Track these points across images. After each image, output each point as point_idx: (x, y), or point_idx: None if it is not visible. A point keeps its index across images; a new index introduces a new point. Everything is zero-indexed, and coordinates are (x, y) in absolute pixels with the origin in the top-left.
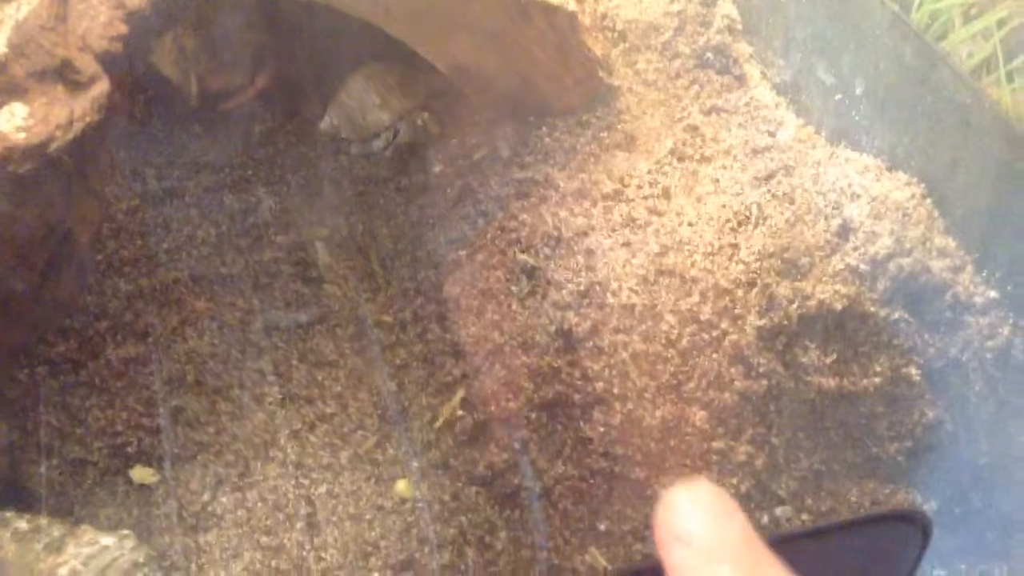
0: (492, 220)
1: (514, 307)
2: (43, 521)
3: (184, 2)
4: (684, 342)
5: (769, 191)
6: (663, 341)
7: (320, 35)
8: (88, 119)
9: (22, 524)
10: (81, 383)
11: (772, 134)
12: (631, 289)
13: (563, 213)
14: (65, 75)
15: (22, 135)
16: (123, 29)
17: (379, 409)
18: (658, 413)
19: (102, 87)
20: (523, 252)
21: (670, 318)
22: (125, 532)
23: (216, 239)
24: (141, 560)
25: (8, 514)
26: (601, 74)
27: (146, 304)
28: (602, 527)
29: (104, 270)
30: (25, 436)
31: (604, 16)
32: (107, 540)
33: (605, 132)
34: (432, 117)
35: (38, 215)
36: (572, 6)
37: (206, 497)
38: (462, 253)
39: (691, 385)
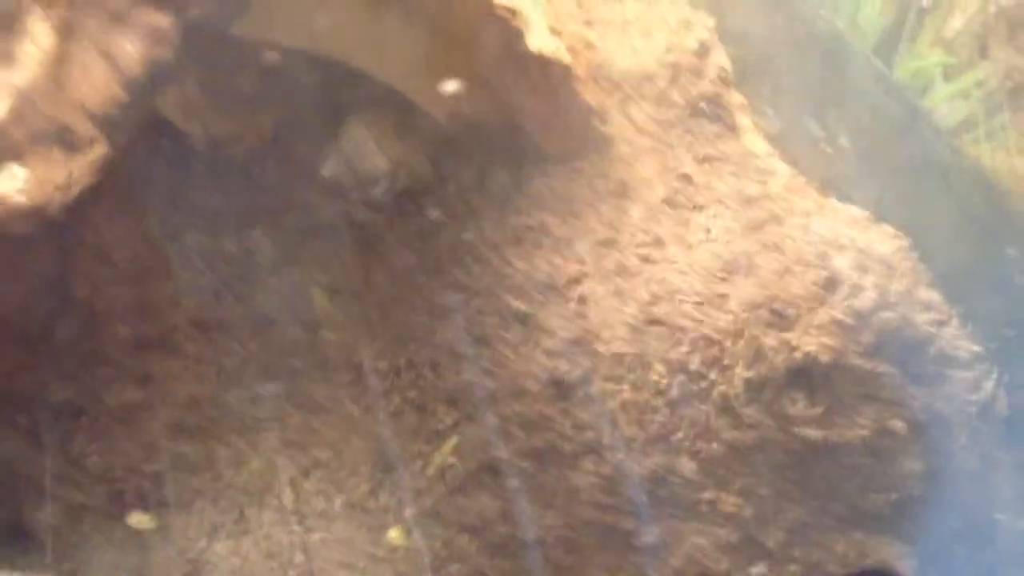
0: (488, 266)
1: (507, 354)
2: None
3: (183, 66)
4: (673, 392)
5: (759, 240)
6: (652, 391)
7: (319, 83)
8: (86, 181)
9: None
10: (81, 429)
11: (763, 183)
12: (622, 338)
13: (557, 260)
14: (63, 139)
15: (22, 197)
16: (120, 94)
17: (373, 455)
18: (647, 463)
19: (100, 150)
20: (517, 299)
21: (660, 368)
22: None
23: (216, 285)
24: None
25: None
26: (595, 123)
27: (146, 350)
28: None
29: (104, 317)
30: (27, 482)
31: (599, 66)
32: None
33: (599, 179)
34: (429, 163)
35: (37, 271)
36: (566, 58)
37: (202, 544)
38: (457, 298)
39: (680, 435)
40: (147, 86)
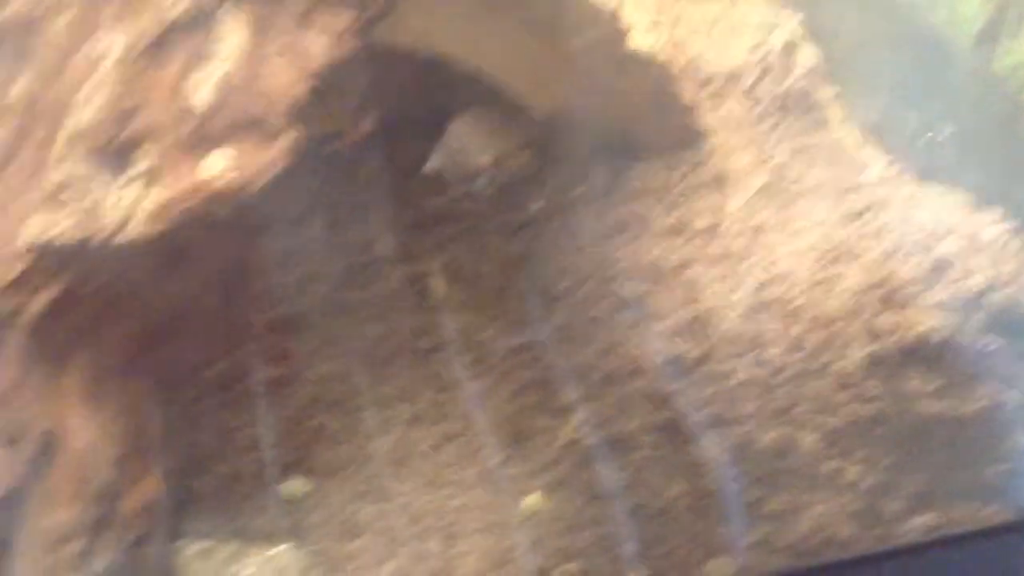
0: (593, 254)
1: (622, 336)
2: (217, 540)
3: (360, 63)
4: (791, 370)
5: (861, 228)
6: (771, 369)
7: (426, 81)
8: (278, 167)
9: (199, 544)
10: (231, 402)
11: (859, 173)
12: (735, 320)
13: (661, 247)
14: (258, 128)
15: (224, 182)
16: (305, 89)
17: (501, 430)
18: (770, 436)
19: (292, 137)
20: (626, 284)
21: (776, 347)
22: (291, 543)
23: (342, 272)
24: (307, 566)
25: (186, 538)
26: (690, 118)
27: (284, 330)
28: (719, 543)
29: (248, 298)
30: (188, 451)
31: (690, 63)
32: (278, 548)
33: (695, 172)
34: (531, 158)
35: (232, 250)
36: (663, 58)
37: (350, 509)
38: (567, 284)
39: (800, 410)
40: (333, 81)
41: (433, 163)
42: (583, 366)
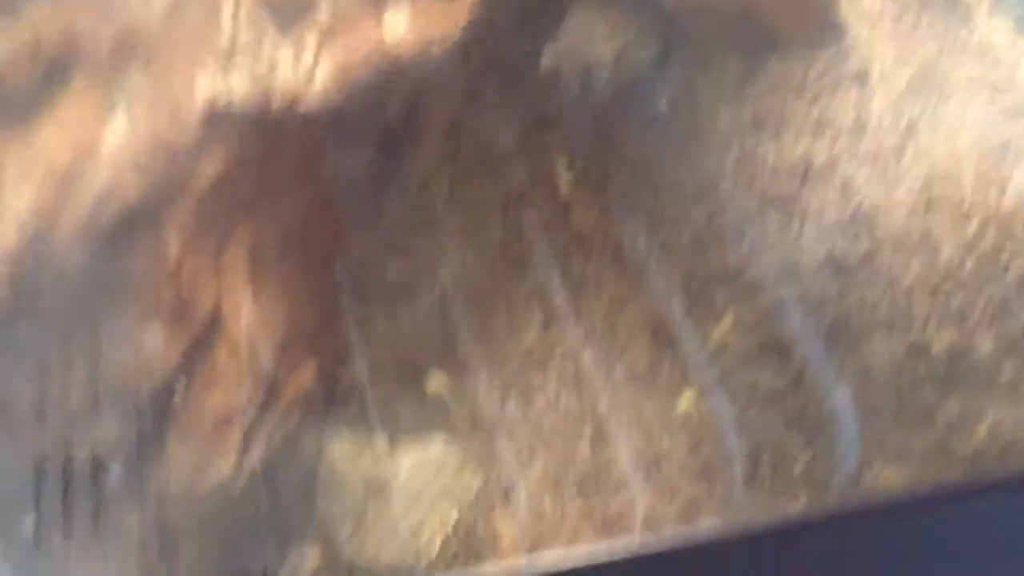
0: (729, 151)
1: (773, 235)
2: (370, 433)
3: None
4: (966, 272)
5: (1018, 128)
6: (942, 272)
7: None
8: (463, 26)
9: (352, 437)
10: (368, 296)
11: (1013, 69)
12: (900, 220)
13: (806, 144)
14: None
15: (405, 41)
16: None
17: (647, 331)
18: (943, 341)
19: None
20: (772, 182)
21: (948, 249)
22: (445, 437)
23: (465, 167)
24: (461, 463)
25: (340, 429)
26: (828, 10)
27: (411, 224)
28: (893, 448)
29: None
30: (338, 344)
31: None
32: (431, 448)
33: (836, 67)
34: (656, 50)
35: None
36: None
37: (495, 406)
38: (704, 183)
39: (976, 314)
40: None
41: (550, 60)
42: (730, 268)
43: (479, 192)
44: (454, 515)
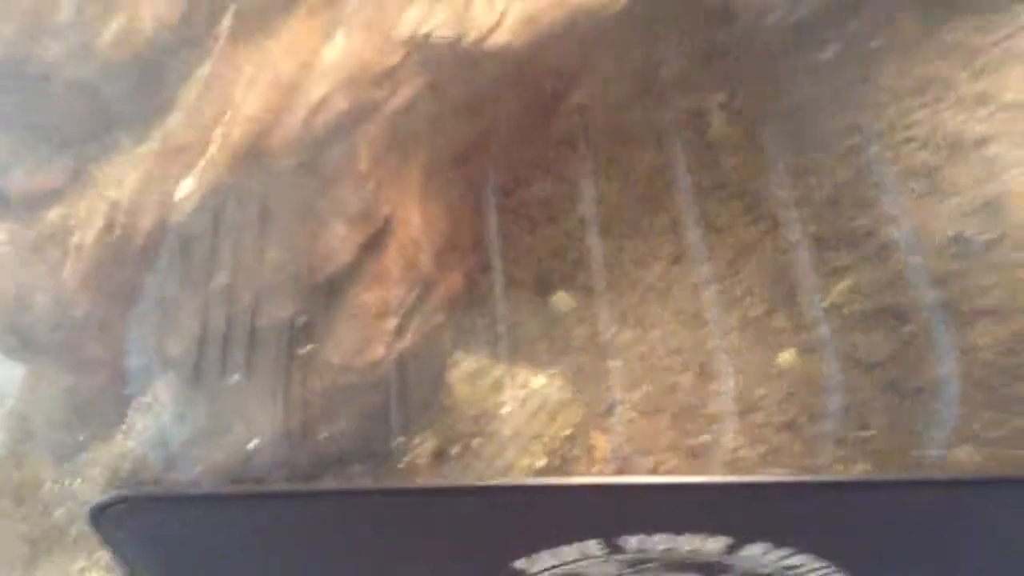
0: (886, 112)
1: (910, 205)
2: (486, 362)
3: None
4: None
5: None
6: None
7: None
8: None
9: (470, 365)
10: (511, 210)
11: None
12: None
13: (962, 116)
14: None
15: None
16: None
17: (768, 280)
18: None
19: None
20: (920, 150)
21: None
22: (552, 371)
23: (624, 96)
24: (568, 398)
25: (459, 354)
26: None
27: (562, 149)
28: (979, 431)
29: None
30: (476, 258)
31: None
32: (538, 381)
33: (1013, 39)
34: None
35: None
36: None
37: (613, 329)
38: (855, 141)
39: None
40: None
41: None
42: (861, 230)
43: (633, 123)
44: (562, 432)
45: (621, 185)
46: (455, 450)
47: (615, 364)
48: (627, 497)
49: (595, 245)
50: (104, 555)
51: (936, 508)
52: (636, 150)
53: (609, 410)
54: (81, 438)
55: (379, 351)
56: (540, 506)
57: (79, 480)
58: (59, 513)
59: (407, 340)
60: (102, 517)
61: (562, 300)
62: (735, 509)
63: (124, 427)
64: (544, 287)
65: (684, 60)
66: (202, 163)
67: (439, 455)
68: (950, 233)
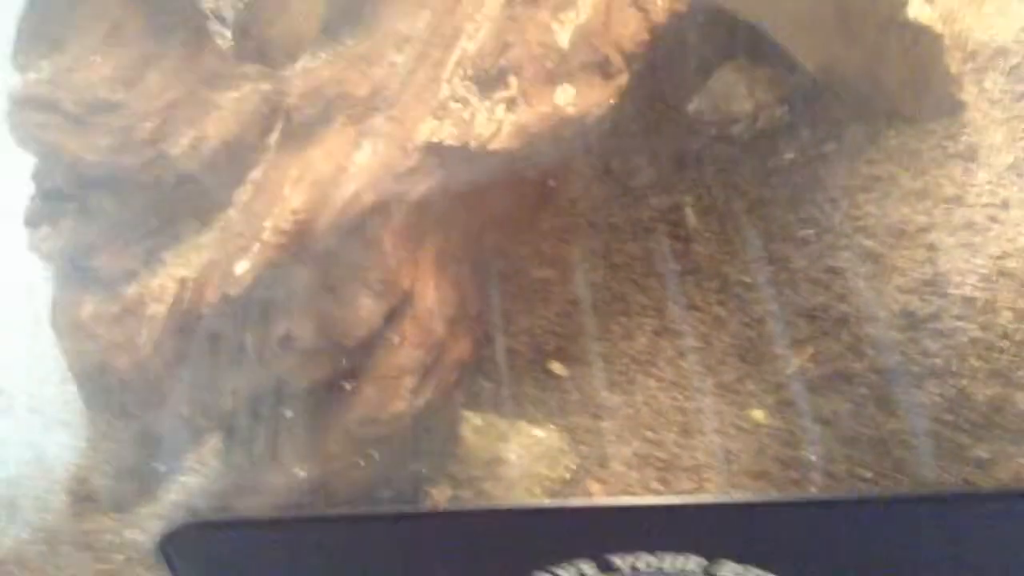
0: (838, 207)
1: (860, 285)
2: (492, 418)
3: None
4: (1019, 336)
5: None
6: (999, 333)
7: (699, 28)
8: (611, 101)
9: (478, 421)
10: (513, 292)
11: None
12: (972, 285)
13: (906, 210)
14: (602, 68)
15: (571, 108)
16: (646, 36)
17: (738, 351)
18: (986, 392)
19: (624, 79)
20: (868, 239)
21: (1008, 314)
22: (550, 426)
23: (606, 195)
24: (564, 447)
25: (468, 413)
26: (951, 89)
27: (554, 239)
28: (921, 477)
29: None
30: (482, 329)
31: (957, 36)
32: (539, 433)
33: (949, 141)
34: (789, 110)
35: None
36: (939, 28)
37: (603, 395)
38: (811, 232)
39: (1021, 373)
40: (666, 32)
41: (697, 104)
42: (819, 307)
43: (618, 217)
44: (563, 475)
45: (607, 271)
46: (468, 494)
47: (606, 424)
48: (613, 518)
49: (586, 321)
50: None
51: (902, 525)
52: (620, 241)
53: (602, 463)
54: (139, 487)
55: (400, 406)
56: (537, 528)
57: (137, 530)
58: (119, 559)
59: (424, 396)
60: (169, 546)
61: (555, 368)
62: (707, 528)
63: (178, 481)
64: (541, 358)
65: (659, 165)
66: (256, 246)
67: (455, 499)
68: (896, 307)
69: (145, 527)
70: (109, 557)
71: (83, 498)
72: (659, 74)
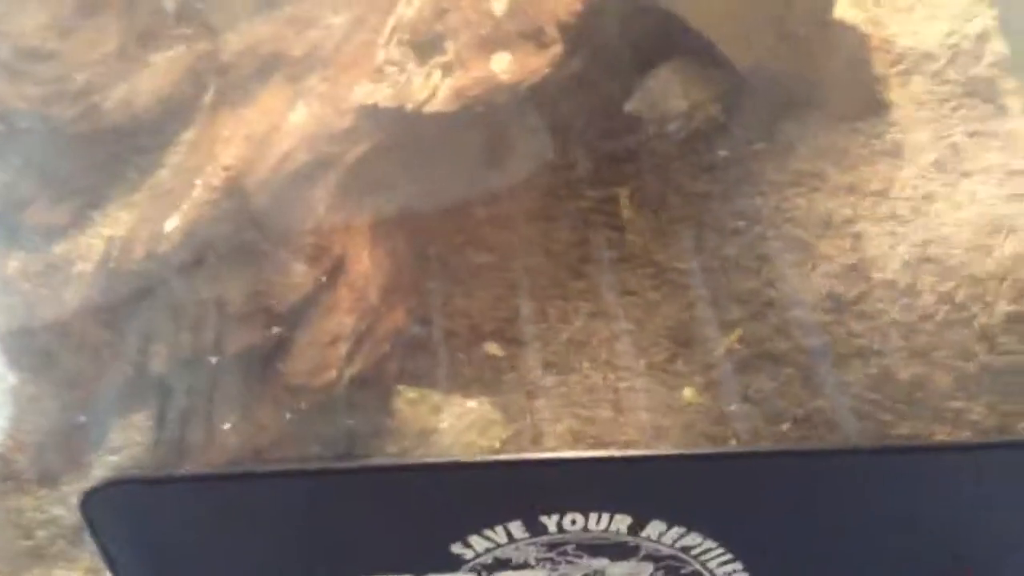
0: (769, 200)
1: (788, 271)
2: (425, 391)
3: None
4: (939, 317)
5: (1022, 208)
6: (920, 315)
7: (636, 28)
8: (544, 72)
9: (412, 394)
10: (451, 274)
11: None
12: (895, 270)
13: (833, 202)
14: (536, 37)
15: (506, 75)
16: (579, 8)
17: (670, 333)
18: (908, 371)
19: (557, 50)
20: (797, 229)
21: (928, 297)
22: (483, 399)
23: (543, 186)
24: (496, 418)
25: (402, 387)
26: (878, 89)
27: (493, 226)
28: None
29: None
30: (419, 305)
31: (885, 40)
32: (471, 403)
33: (875, 140)
34: (722, 109)
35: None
36: (863, 31)
37: (535, 375)
38: (741, 224)
39: (940, 353)
40: (598, 8)
41: (633, 103)
42: (748, 292)
43: (554, 207)
44: (493, 444)
45: (544, 258)
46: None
47: (540, 402)
48: (539, 473)
49: (523, 304)
50: (84, 560)
51: (819, 479)
52: (557, 230)
53: (536, 440)
54: (65, 459)
55: (332, 374)
56: (467, 486)
57: (62, 506)
58: (41, 535)
59: (357, 365)
60: (90, 505)
61: (492, 349)
62: (633, 484)
63: (103, 451)
64: (478, 339)
65: (597, 159)
66: (186, 204)
67: None
68: (822, 292)
69: (70, 504)
70: (33, 534)
71: (5, 476)
72: (596, 72)
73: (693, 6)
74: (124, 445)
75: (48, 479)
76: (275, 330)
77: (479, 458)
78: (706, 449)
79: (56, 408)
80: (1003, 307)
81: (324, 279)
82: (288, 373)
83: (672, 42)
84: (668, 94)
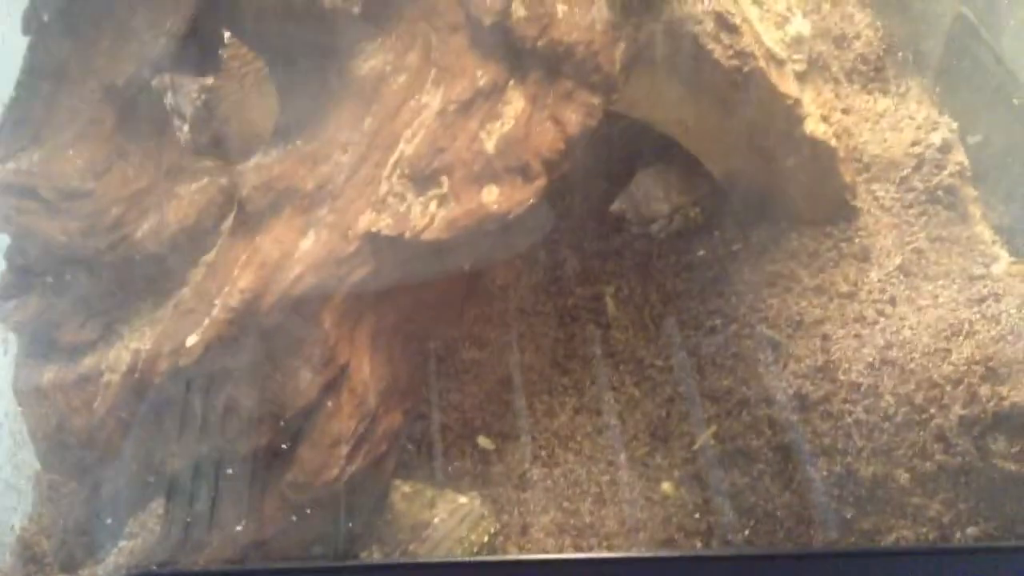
0: (744, 300)
1: (760, 370)
2: (420, 486)
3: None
4: (899, 418)
5: (980, 312)
6: (881, 415)
7: (620, 138)
8: (531, 202)
9: (407, 488)
10: (445, 372)
11: (987, 266)
12: (859, 372)
13: (804, 303)
14: (523, 172)
15: (495, 206)
16: (562, 146)
17: (650, 428)
18: (870, 469)
19: (542, 183)
20: (769, 329)
21: (889, 398)
22: (473, 494)
23: (535, 284)
24: (485, 513)
25: (398, 481)
26: (847, 196)
27: (485, 323)
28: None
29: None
30: (414, 405)
31: (854, 149)
32: (463, 499)
33: (844, 243)
34: (701, 212)
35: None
36: (834, 142)
37: (525, 467)
38: (718, 322)
39: (900, 452)
40: (579, 143)
41: (618, 205)
42: (723, 389)
43: (543, 305)
44: (481, 539)
45: (533, 354)
46: (395, 555)
47: (527, 495)
48: (525, 573)
49: (513, 399)
50: None
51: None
52: (545, 326)
53: (523, 531)
54: (86, 547)
55: (334, 473)
56: None
57: None
58: None
59: (356, 464)
60: None
61: (483, 442)
62: None
63: (125, 543)
64: (470, 433)
65: (584, 259)
66: (206, 321)
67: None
68: (791, 391)
69: None
70: None
71: (28, 560)
72: (585, 178)
73: (670, 121)
74: (138, 533)
75: (70, 566)
76: (283, 431)
77: (468, 559)
78: (679, 551)
79: (79, 500)
80: (957, 410)
81: (328, 386)
82: (293, 472)
83: (652, 151)
84: (650, 197)
